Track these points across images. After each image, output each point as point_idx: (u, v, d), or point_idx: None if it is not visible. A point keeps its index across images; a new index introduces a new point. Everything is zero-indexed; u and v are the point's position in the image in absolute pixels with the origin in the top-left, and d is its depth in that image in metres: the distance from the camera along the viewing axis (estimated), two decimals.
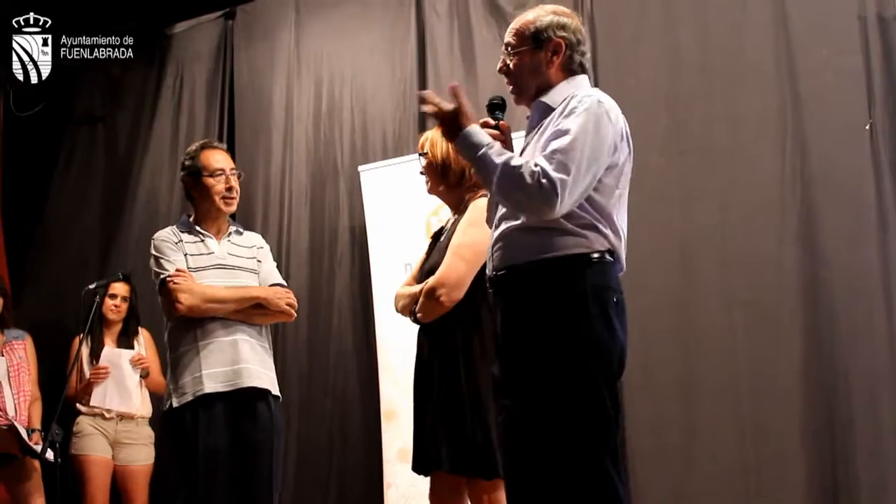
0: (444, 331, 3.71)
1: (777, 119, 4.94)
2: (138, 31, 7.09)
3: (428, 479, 3.89)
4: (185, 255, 4.34)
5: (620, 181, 3.09)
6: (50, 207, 7.41)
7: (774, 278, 4.83)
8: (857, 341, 4.65)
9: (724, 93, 5.08)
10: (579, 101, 3.02)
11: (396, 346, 5.55)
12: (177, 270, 4.26)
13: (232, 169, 4.46)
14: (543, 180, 2.86)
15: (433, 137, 3.89)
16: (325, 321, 6.13)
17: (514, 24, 3.21)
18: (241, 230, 4.55)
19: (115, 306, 6.02)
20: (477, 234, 3.57)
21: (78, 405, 5.83)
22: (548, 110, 3.14)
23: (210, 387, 4.17)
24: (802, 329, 4.75)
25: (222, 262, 4.36)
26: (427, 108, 3.12)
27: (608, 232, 3.04)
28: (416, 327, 3.95)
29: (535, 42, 3.15)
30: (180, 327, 4.31)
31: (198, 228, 4.42)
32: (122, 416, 5.88)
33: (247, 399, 4.22)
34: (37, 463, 5.62)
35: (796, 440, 4.69)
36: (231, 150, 6.68)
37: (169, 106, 7.19)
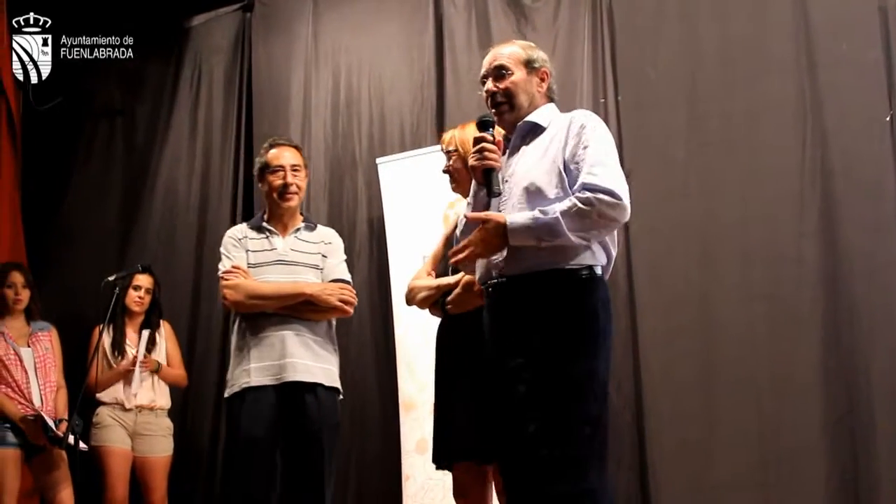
0: (473, 323, 3.70)
1: (797, 112, 4.92)
2: (142, 29, 7.12)
3: (445, 472, 3.93)
4: (247, 251, 4.51)
5: None
6: (69, 200, 7.43)
7: (795, 271, 4.82)
8: (877, 334, 4.64)
9: (745, 86, 5.06)
10: (583, 117, 3.33)
11: (415, 338, 5.56)
12: (232, 267, 4.45)
13: (293, 166, 4.56)
14: (600, 195, 3.10)
15: (458, 136, 3.95)
16: None
17: (503, 53, 3.48)
18: (312, 226, 4.67)
19: (139, 298, 6.05)
20: None
21: (97, 396, 5.85)
22: (535, 129, 3.40)
23: (256, 380, 4.34)
24: (822, 322, 4.74)
25: (283, 259, 4.50)
26: (466, 256, 3.27)
27: (608, 246, 3.30)
28: (435, 319, 3.97)
29: (528, 67, 3.44)
30: (238, 321, 4.50)
31: (265, 225, 4.58)
32: (141, 408, 5.90)
33: (294, 392, 4.34)
34: (63, 453, 5.66)
35: (816, 433, 4.68)
36: (249, 143, 6.74)
37: (187, 98, 7.21)
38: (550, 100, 3.51)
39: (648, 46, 5.39)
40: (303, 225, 4.63)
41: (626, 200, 3.13)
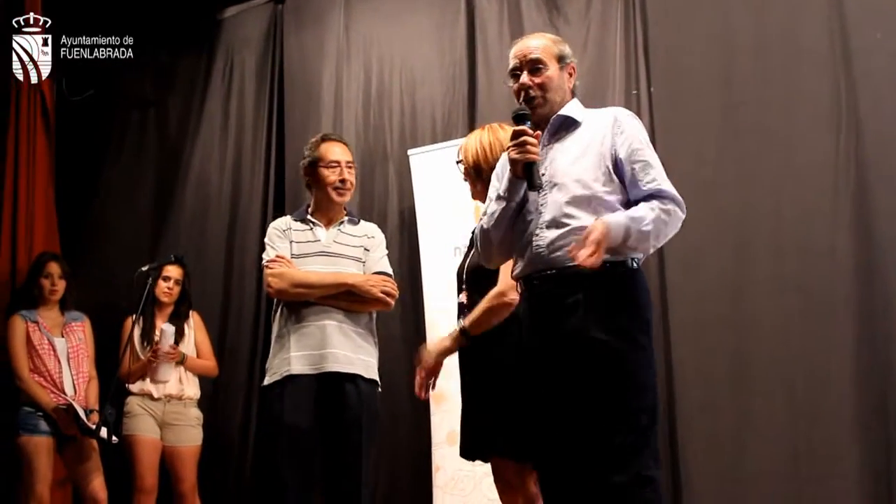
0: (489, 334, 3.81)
1: (831, 101, 4.87)
2: (174, 22, 7.19)
3: (475, 462, 3.98)
4: (291, 242, 4.59)
5: None
6: (102, 191, 7.49)
7: (828, 263, 4.77)
8: None
9: (778, 76, 5.02)
10: (626, 116, 3.40)
11: (445, 329, 5.53)
12: (276, 256, 4.54)
13: (348, 162, 4.65)
14: (675, 207, 3.24)
15: (466, 144, 4.02)
16: None
17: (534, 46, 3.46)
18: (355, 220, 4.74)
19: (168, 289, 6.08)
20: None
21: (128, 385, 5.89)
22: (568, 122, 3.41)
23: (296, 368, 4.41)
24: (856, 314, 4.69)
25: (326, 250, 4.57)
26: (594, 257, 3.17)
27: None
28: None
29: (560, 61, 3.45)
30: (280, 310, 4.58)
31: (310, 217, 4.65)
32: (169, 398, 5.93)
33: (334, 382, 4.40)
34: (95, 443, 5.70)
35: (849, 426, 4.63)
36: (280, 135, 6.77)
37: (219, 91, 7.24)
38: (574, 95, 3.53)
39: (682, 37, 5.36)
40: (346, 219, 4.70)
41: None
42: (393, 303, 4.57)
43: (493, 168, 3.82)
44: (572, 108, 3.44)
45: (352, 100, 6.58)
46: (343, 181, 4.62)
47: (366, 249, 4.67)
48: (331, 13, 6.77)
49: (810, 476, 4.68)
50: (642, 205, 3.19)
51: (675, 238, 4.62)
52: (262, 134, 6.94)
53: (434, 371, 4.01)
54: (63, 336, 5.93)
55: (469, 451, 3.92)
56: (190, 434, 6.00)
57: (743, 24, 5.18)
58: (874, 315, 4.66)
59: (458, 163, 4.05)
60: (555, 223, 3.25)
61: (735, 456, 4.86)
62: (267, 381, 4.53)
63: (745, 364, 4.90)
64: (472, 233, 4.20)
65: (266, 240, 4.67)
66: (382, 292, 4.50)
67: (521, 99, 3.43)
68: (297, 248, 4.59)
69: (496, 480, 3.95)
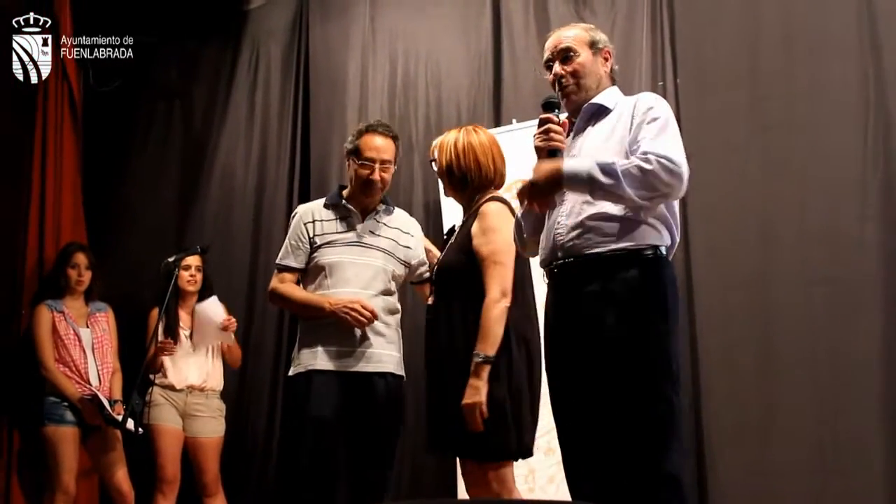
0: (449, 322, 3.89)
1: (859, 93, 4.86)
2: (201, 12, 7.20)
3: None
4: (315, 236, 4.50)
5: None
6: (128, 182, 7.51)
7: (855, 255, 4.76)
8: None
9: (806, 67, 5.00)
10: (647, 98, 3.36)
11: None
12: (281, 270, 4.59)
13: (384, 161, 4.49)
14: (661, 160, 3.09)
15: (440, 142, 4.13)
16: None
17: (567, 35, 3.50)
18: (391, 209, 4.64)
19: (191, 276, 6.08)
20: (501, 238, 3.83)
21: (152, 376, 5.91)
22: (600, 111, 3.43)
23: (323, 364, 4.36)
24: (883, 306, 4.67)
25: (360, 241, 4.50)
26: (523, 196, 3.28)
27: (674, 227, 3.31)
28: None
29: (593, 48, 3.48)
30: None
31: (345, 203, 4.55)
32: (192, 388, 5.95)
33: (362, 378, 4.38)
34: (119, 434, 5.73)
35: (875, 418, 4.62)
36: (305, 127, 6.77)
37: (245, 82, 7.25)
38: (613, 81, 3.55)
39: (708, 28, 5.34)
40: (382, 207, 4.60)
41: (684, 170, 3.13)
42: (367, 324, 4.38)
43: (464, 170, 3.98)
44: (606, 96, 3.45)
45: (377, 91, 6.58)
46: (372, 182, 4.47)
47: (406, 247, 4.61)
48: (356, 4, 6.77)
49: (836, 468, 4.66)
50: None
51: (701, 229, 4.62)
52: (288, 125, 6.94)
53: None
54: (88, 326, 5.97)
55: (434, 447, 4.03)
56: (212, 425, 6.02)
57: (770, 15, 5.17)
58: None
59: (431, 161, 4.15)
60: (574, 211, 3.27)
61: (761, 448, 4.85)
62: (292, 371, 4.48)
63: (771, 356, 4.88)
64: (445, 234, 4.26)
65: (289, 233, 4.63)
66: (355, 321, 4.34)
67: (557, 88, 3.46)
68: (328, 237, 4.49)
69: (463, 476, 4.02)
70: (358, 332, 4.37)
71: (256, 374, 6.67)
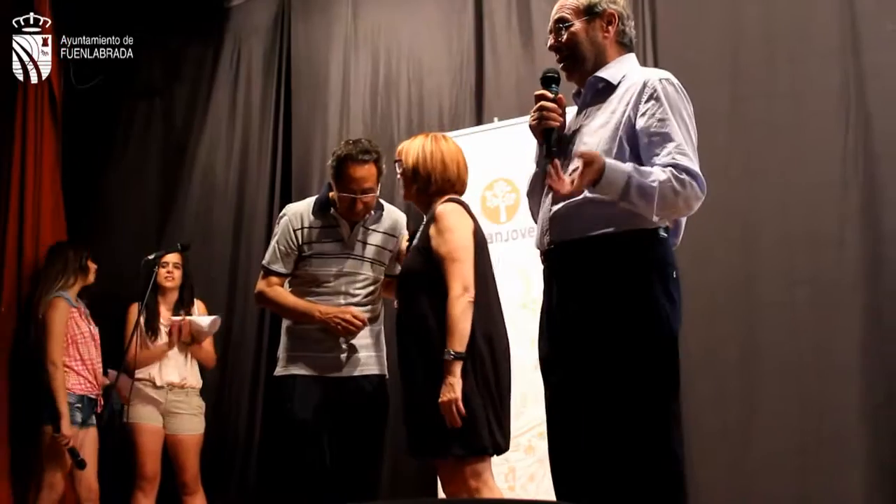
0: (415, 322, 3.89)
1: (840, 94, 4.86)
2: (182, 10, 7.18)
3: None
4: (304, 244, 4.48)
5: None
6: (109, 180, 7.49)
7: (836, 255, 4.77)
8: None
9: (788, 68, 5.01)
10: (658, 83, 3.09)
11: None
12: (266, 270, 4.56)
13: (365, 189, 4.42)
14: (687, 177, 2.97)
15: (406, 146, 4.15)
16: None
17: (565, 2, 3.28)
18: (380, 211, 4.61)
19: (168, 273, 6.04)
20: (458, 237, 3.86)
21: (133, 373, 5.90)
22: (605, 87, 3.21)
23: (307, 370, 4.42)
24: (864, 307, 4.69)
25: (348, 251, 4.51)
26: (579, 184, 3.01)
27: None
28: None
29: (589, 14, 3.22)
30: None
31: (333, 213, 4.51)
32: (171, 386, 5.93)
33: (345, 381, 4.42)
34: (96, 431, 5.72)
35: (856, 419, 4.63)
36: (287, 125, 6.76)
37: (226, 79, 7.23)
38: (625, 47, 3.29)
39: (690, 30, 5.35)
40: (371, 213, 4.55)
41: (704, 187, 3.04)
42: (357, 331, 4.42)
43: (430, 172, 3.99)
44: (612, 69, 3.22)
45: (359, 89, 6.58)
46: (353, 210, 4.43)
47: (390, 251, 4.61)
48: (338, 2, 6.78)
49: (817, 467, 4.68)
50: (657, 167, 2.99)
51: (684, 230, 4.61)
52: (269, 123, 6.93)
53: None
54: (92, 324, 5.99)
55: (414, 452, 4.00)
56: (192, 423, 5.99)
57: (751, 16, 5.17)
58: (882, 307, 4.66)
59: (396, 161, 4.15)
60: (565, 194, 3.09)
61: (743, 447, 4.87)
62: (278, 371, 4.52)
63: (753, 355, 4.90)
64: (409, 238, 4.27)
65: (274, 234, 4.61)
66: (345, 332, 4.38)
67: (557, 62, 3.30)
68: (316, 247, 4.48)
69: (439, 475, 4.07)
70: (332, 335, 4.40)
71: (237, 370, 6.67)
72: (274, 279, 4.54)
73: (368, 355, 4.47)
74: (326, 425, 4.37)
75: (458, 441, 3.73)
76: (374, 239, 4.56)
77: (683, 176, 2.96)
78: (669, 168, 2.96)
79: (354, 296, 4.48)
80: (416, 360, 3.88)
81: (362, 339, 4.46)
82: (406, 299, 3.98)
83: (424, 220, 4.08)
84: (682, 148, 3.00)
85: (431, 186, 4.04)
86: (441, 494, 5.02)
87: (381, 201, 4.68)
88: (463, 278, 3.79)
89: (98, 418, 5.63)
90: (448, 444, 3.75)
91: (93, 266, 6.05)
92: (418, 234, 4.06)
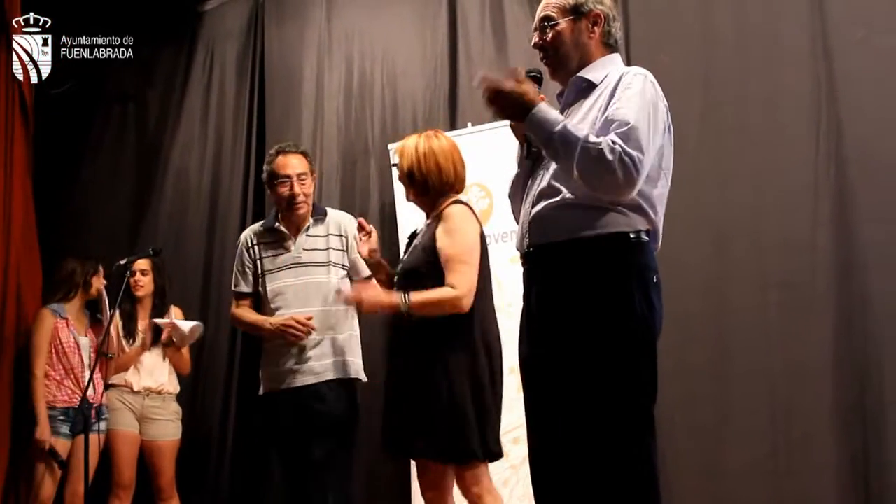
0: (422, 323, 3.87)
1: (812, 99, 4.88)
2: (154, 14, 7.14)
3: None
4: (258, 259, 4.69)
5: (664, 160, 3.12)
6: (81, 185, 7.47)
7: (808, 260, 4.79)
8: (890, 324, 4.59)
9: (759, 73, 5.03)
10: (632, 77, 3.05)
11: None
12: (235, 297, 4.80)
13: (300, 174, 4.64)
14: (625, 157, 2.87)
15: (402, 147, 4.14)
16: None
17: (547, 2, 3.23)
18: (322, 216, 4.75)
19: (135, 281, 6.03)
20: (468, 240, 3.88)
21: (108, 379, 5.89)
22: (588, 87, 3.16)
23: (272, 384, 4.61)
24: (836, 311, 4.71)
25: (296, 262, 4.65)
26: (485, 87, 3.04)
27: (649, 211, 3.06)
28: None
29: (575, 13, 3.18)
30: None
31: (277, 227, 4.69)
32: (149, 391, 5.92)
33: (309, 389, 4.54)
34: (83, 440, 5.70)
35: (827, 422, 4.66)
36: (261, 129, 6.75)
37: (199, 84, 7.22)
38: (610, 48, 3.24)
39: (663, 33, 5.36)
40: (311, 220, 4.72)
41: (639, 180, 2.92)
42: (306, 337, 4.54)
43: (426, 175, 3.98)
44: (594, 69, 3.17)
45: (333, 93, 6.57)
46: (294, 196, 4.64)
47: (339, 250, 4.71)
48: (312, 6, 6.77)
49: (789, 470, 4.71)
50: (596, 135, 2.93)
51: None
52: (243, 128, 6.92)
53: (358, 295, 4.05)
54: (86, 335, 5.99)
55: (391, 448, 4.03)
56: (169, 428, 5.99)
57: (723, 21, 5.19)
58: (853, 311, 4.68)
59: (393, 165, 4.12)
60: (541, 195, 3.10)
61: (714, 450, 4.89)
62: (260, 391, 4.72)
63: (724, 359, 4.92)
64: (409, 237, 4.27)
65: (235, 261, 4.82)
66: (293, 336, 4.52)
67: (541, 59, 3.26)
68: (267, 264, 4.70)
69: (419, 478, 4.07)
70: (300, 346, 4.53)
71: (210, 374, 6.67)
72: (242, 301, 4.76)
73: (326, 363, 4.55)
74: (291, 437, 4.54)
75: (448, 446, 3.76)
76: (320, 243, 4.69)
77: (617, 148, 2.86)
78: (608, 138, 2.89)
79: (305, 304, 4.60)
80: (410, 358, 3.90)
81: (320, 348, 4.55)
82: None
83: (426, 220, 4.11)
84: (630, 129, 2.90)
85: (431, 188, 4.05)
86: (417, 498, 5.03)
87: (325, 208, 4.86)
88: (469, 281, 3.82)
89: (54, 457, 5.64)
90: (437, 447, 3.77)
91: (97, 283, 6.03)
92: (421, 233, 4.09)
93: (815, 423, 4.69)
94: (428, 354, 3.81)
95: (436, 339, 3.81)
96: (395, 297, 3.85)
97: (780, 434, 4.76)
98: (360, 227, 4.35)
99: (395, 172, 4.24)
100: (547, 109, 2.99)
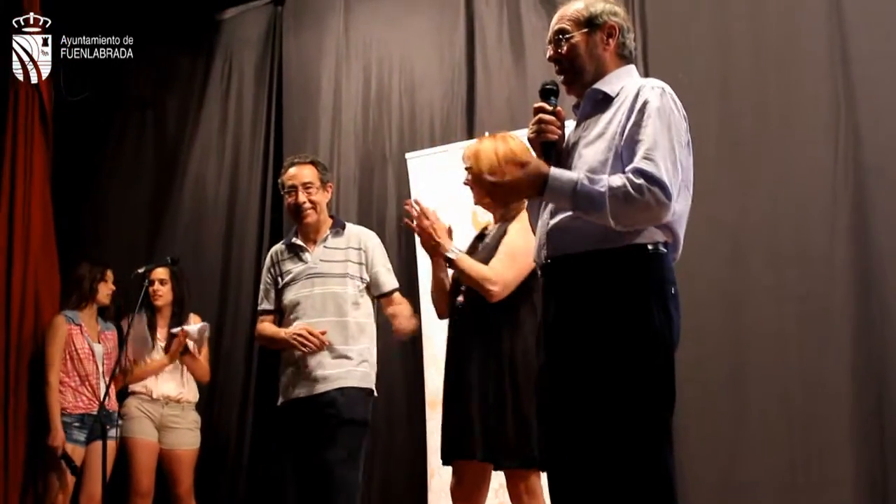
0: (486, 324, 3.87)
1: (830, 108, 4.87)
2: (173, 22, 7.19)
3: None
4: (280, 275, 4.74)
5: (686, 174, 3.07)
6: (99, 192, 7.47)
7: (826, 271, 4.77)
8: None
9: (777, 83, 5.01)
10: (650, 91, 3.02)
11: (442, 335, 5.46)
12: (260, 314, 4.85)
13: (306, 183, 4.68)
14: (653, 187, 2.85)
15: (476, 150, 4.02)
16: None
17: (565, 13, 3.21)
18: (340, 229, 4.77)
19: (154, 291, 6.04)
20: (527, 245, 3.64)
21: (128, 386, 5.90)
22: (604, 99, 3.13)
23: (288, 394, 4.64)
24: (853, 322, 4.69)
25: (312, 272, 4.67)
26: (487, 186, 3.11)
27: (671, 224, 3.04)
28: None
29: (590, 25, 3.15)
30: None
31: (294, 241, 4.76)
32: (168, 400, 5.92)
33: (320, 398, 4.54)
34: (100, 446, 5.71)
35: (845, 434, 4.64)
36: (279, 137, 6.76)
37: (217, 92, 7.23)
38: (625, 59, 3.21)
39: (680, 44, 5.35)
40: (330, 232, 4.74)
41: (673, 201, 2.90)
42: (315, 348, 4.54)
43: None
44: (610, 81, 3.14)
45: (351, 102, 6.58)
46: (299, 205, 4.68)
47: (358, 263, 4.71)
48: (331, 15, 6.76)
49: (806, 485, 4.68)
50: (616, 175, 2.91)
51: None
52: (261, 136, 6.93)
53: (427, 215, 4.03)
54: (100, 342, 6.01)
55: (451, 449, 3.97)
56: (188, 437, 6.01)
57: (741, 31, 5.17)
58: (871, 323, 4.66)
59: (467, 168, 4.05)
60: (559, 207, 3.06)
61: (731, 464, 4.87)
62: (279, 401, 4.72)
63: (741, 372, 4.90)
64: (475, 237, 4.23)
65: (262, 279, 4.89)
66: (304, 347, 4.54)
67: (556, 73, 3.25)
68: (288, 276, 4.72)
69: (456, 487, 4.01)
70: (315, 356, 4.54)
71: (227, 383, 6.65)
72: (265, 318, 4.80)
73: (340, 371, 4.55)
74: (304, 445, 4.56)
75: (512, 452, 3.74)
76: (337, 255, 4.70)
77: (640, 181, 2.85)
78: (627, 174, 2.89)
79: (319, 314, 4.61)
80: (475, 360, 3.88)
81: (335, 358, 4.56)
82: (472, 299, 3.96)
83: (495, 223, 4.11)
84: (650, 153, 2.89)
85: None
86: None
87: (345, 222, 4.88)
88: (508, 276, 3.85)
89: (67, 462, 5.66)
90: (501, 453, 3.76)
91: (105, 288, 6.07)
92: (492, 234, 4.07)
93: (832, 435, 4.66)
94: (497, 358, 3.81)
95: (505, 341, 3.82)
96: (449, 245, 3.92)
97: (798, 447, 4.73)
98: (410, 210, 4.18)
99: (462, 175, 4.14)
100: (557, 176, 2.96)
